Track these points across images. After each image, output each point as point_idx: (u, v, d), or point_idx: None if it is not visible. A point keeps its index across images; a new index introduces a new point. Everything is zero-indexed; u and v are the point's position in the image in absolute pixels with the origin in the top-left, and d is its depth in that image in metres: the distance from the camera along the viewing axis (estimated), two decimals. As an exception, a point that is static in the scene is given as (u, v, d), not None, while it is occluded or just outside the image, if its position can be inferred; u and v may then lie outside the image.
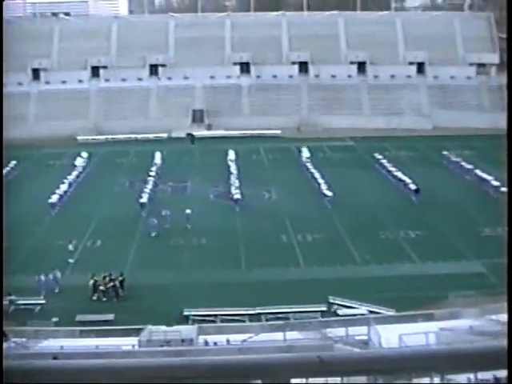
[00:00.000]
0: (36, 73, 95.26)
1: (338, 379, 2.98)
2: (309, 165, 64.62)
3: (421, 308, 32.34)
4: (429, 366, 2.92)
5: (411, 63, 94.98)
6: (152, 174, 62.40)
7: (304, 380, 2.94)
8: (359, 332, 25.90)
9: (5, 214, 52.18)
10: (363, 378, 3.04)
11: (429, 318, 28.53)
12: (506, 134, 8.17)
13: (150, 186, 58.25)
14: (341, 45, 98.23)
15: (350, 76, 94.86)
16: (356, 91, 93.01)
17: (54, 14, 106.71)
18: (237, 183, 58.34)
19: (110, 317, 34.18)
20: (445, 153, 69.04)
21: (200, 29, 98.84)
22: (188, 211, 49.56)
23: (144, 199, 54.41)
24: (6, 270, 40.80)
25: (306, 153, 70.09)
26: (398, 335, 23.27)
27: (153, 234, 47.77)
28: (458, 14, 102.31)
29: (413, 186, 55.39)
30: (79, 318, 33.97)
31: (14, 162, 67.07)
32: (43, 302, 36.28)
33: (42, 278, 37.23)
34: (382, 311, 33.36)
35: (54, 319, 33.53)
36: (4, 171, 64.38)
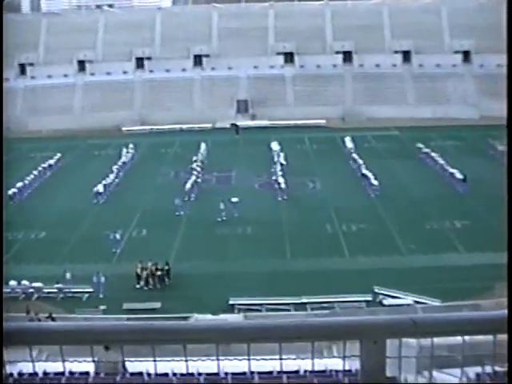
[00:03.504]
0: (81, 64, 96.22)
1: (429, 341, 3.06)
2: (354, 155, 64.33)
3: (466, 299, 32.15)
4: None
5: (457, 52, 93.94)
6: (197, 164, 62.72)
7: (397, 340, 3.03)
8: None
9: (52, 204, 53.02)
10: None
11: (475, 308, 28.33)
12: (506, 135, 8.11)
13: (194, 176, 58.57)
14: (385, 34, 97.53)
15: (394, 65, 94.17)
16: (401, 81, 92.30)
17: (99, 6, 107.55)
18: (281, 173, 58.36)
19: (157, 305, 34.51)
20: (492, 142, 68.19)
21: (243, 19, 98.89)
22: (234, 199, 49.89)
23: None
24: (54, 258, 41.66)
25: (350, 143, 69.80)
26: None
27: (181, 213, 49.73)
28: (505, 0, 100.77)
29: (459, 176, 54.89)
30: (126, 306, 34.35)
31: (59, 154, 67.91)
32: (91, 290, 36.74)
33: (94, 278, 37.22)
34: (427, 301, 33.20)
35: (102, 307, 33.97)
36: (51, 162, 65.24)
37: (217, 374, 13.61)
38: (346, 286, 35.62)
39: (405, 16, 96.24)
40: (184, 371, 12.58)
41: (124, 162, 65.94)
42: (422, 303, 32.78)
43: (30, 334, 2.99)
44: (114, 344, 2.97)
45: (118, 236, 44.02)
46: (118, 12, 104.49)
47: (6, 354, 3.40)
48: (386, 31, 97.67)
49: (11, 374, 13.94)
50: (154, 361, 3.30)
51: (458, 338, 3.11)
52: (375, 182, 54.34)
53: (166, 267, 38.16)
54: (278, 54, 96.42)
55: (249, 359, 3.19)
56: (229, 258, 41.51)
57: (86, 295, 36.58)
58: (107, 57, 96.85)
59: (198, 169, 60.57)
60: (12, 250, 43.84)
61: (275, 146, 68.72)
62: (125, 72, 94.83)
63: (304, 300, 34.08)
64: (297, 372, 14.24)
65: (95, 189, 54.80)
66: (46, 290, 36.96)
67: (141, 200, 53.67)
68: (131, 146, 71.29)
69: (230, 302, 34.23)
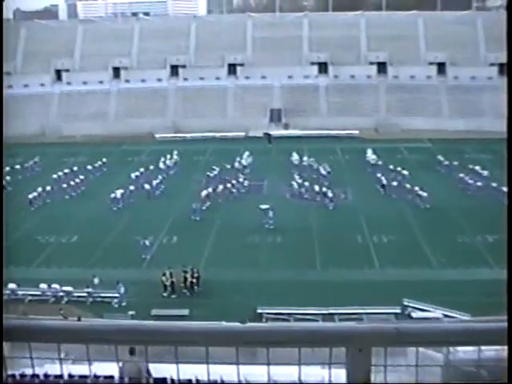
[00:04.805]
0: (116, 71, 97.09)
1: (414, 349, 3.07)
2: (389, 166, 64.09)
3: (496, 313, 31.80)
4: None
5: (492, 64, 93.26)
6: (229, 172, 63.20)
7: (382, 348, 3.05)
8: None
9: (85, 209, 53.48)
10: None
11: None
12: (507, 136, 8.07)
13: (226, 184, 58.79)
14: (420, 45, 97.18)
15: (429, 77, 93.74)
16: (435, 92, 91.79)
17: (134, 14, 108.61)
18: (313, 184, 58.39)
19: (185, 312, 34.58)
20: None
21: (278, 28, 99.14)
22: (264, 206, 50.08)
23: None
24: (85, 263, 41.97)
25: (371, 154, 69.82)
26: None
27: (196, 218, 50.41)
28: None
29: (503, 189, 54.10)
30: (154, 312, 34.45)
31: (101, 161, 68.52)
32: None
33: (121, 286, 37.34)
34: (456, 315, 32.90)
35: (131, 312, 34.13)
36: (91, 167, 65.80)
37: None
38: (375, 298, 35.41)
39: (440, 27, 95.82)
40: (206, 378, 12.57)
41: (168, 168, 66.73)
42: (451, 317, 32.49)
43: (30, 331, 3.05)
44: (116, 343, 3.02)
45: (147, 242, 44.24)
46: (154, 20, 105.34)
47: (34, 353, 3.49)
48: (420, 42, 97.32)
49: (37, 376, 14.08)
50: (177, 362, 3.35)
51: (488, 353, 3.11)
52: (424, 194, 53.90)
53: (196, 274, 38.28)
54: (312, 63, 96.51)
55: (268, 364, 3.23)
56: (258, 267, 41.50)
57: (116, 300, 36.78)
58: (142, 64, 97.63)
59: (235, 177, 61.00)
60: (43, 253, 44.31)
61: (307, 155, 68.83)
62: (159, 79, 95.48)
63: (332, 311, 33.94)
64: None
65: (116, 195, 55.40)
66: (75, 294, 37.27)
67: (173, 206, 53.93)
68: (175, 152, 71.74)
69: (258, 311, 34.21)
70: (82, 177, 61.77)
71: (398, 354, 3.18)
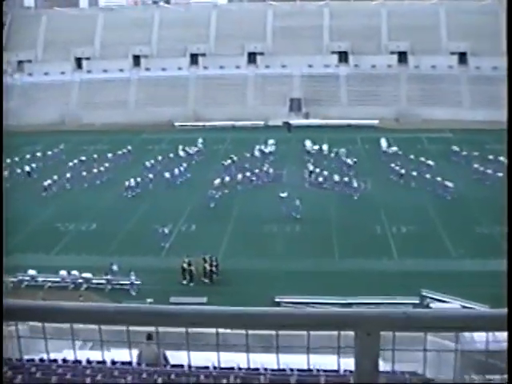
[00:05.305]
0: (137, 59, 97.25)
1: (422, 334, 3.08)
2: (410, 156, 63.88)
3: (516, 304, 31.63)
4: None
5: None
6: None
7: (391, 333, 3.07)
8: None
9: (104, 196, 53.75)
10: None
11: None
12: (507, 134, 7.99)
13: (246, 172, 58.91)
14: (441, 35, 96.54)
15: (450, 67, 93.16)
16: (456, 82, 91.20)
17: (155, 2, 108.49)
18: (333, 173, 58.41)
19: (203, 300, 34.70)
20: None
21: (298, 17, 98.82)
22: (283, 194, 50.28)
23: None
24: (104, 250, 42.21)
25: (399, 144, 69.52)
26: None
27: (212, 205, 50.72)
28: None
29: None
30: (173, 299, 34.57)
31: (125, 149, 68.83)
32: (139, 282, 37.14)
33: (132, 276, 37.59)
34: (475, 306, 32.77)
35: (149, 300, 34.29)
36: (111, 155, 66.03)
37: (256, 369, 13.68)
38: (394, 288, 35.38)
39: (462, 16, 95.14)
40: (222, 365, 12.66)
41: (189, 156, 67.18)
42: (470, 308, 32.36)
43: (46, 313, 3.09)
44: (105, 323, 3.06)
45: (166, 230, 44.41)
46: (174, 8, 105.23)
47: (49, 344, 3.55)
48: (442, 32, 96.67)
49: (55, 360, 14.21)
50: (188, 349, 3.37)
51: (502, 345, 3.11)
52: (449, 184, 53.82)
53: (214, 263, 38.40)
54: (333, 53, 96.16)
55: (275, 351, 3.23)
56: (276, 256, 41.52)
57: (134, 287, 36.97)
58: (162, 52, 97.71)
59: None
60: (63, 240, 44.61)
61: (327, 144, 68.84)
62: (179, 68, 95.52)
63: (350, 300, 33.92)
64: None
65: (130, 183, 55.78)
66: (94, 281, 37.52)
67: (191, 195, 54.03)
68: (200, 140, 71.93)
69: (276, 300, 34.29)
70: (101, 165, 61.97)
71: (408, 343, 3.18)
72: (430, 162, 60.91)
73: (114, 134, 78.58)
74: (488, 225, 46.03)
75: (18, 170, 60.75)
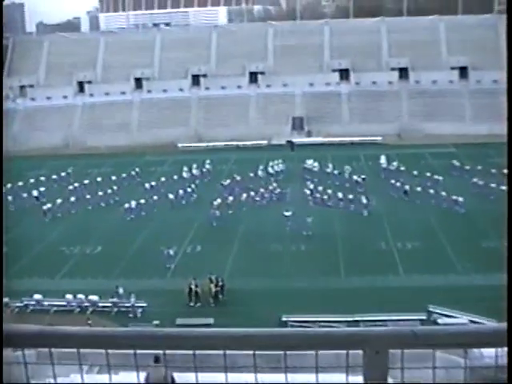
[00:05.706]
0: (138, 82, 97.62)
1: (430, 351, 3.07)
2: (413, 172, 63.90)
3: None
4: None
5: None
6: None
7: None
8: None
9: (108, 219, 53.77)
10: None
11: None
12: (507, 137, 8.00)
13: (250, 192, 58.91)
14: (441, 50, 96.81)
15: (451, 81, 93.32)
16: (458, 97, 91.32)
17: (156, 25, 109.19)
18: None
19: (210, 321, 34.58)
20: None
21: (299, 36, 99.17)
22: (288, 213, 50.20)
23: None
24: (110, 273, 42.17)
25: (402, 159, 69.54)
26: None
27: (214, 224, 51.00)
28: None
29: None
30: (179, 321, 34.47)
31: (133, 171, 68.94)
32: (145, 304, 37.08)
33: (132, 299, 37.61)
34: (482, 321, 32.63)
35: (155, 322, 34.19)
36: (115, 177, 66.05)
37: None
38: (401, 305, 35.25)
39: (461, 31, 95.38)
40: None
41: (193, 177, 67.31)
42: (478, 323, 32.23)
43: (52, 338, 3.08)
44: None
45: (171, 252, 44.38)
46: (175, 30, 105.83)
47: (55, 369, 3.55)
48: (442, 47, 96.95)
49: (62, 386, 14.12)
50: (196, 371, 3.36)
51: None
52: (460, 199, 53.85)
53: (220, 283, 38.32)
54: (334, 70, 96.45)
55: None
56: (282, 275, 41.42)
57: (140, 310, 36.90)
58: (164, 74, 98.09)
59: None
60: (68, 264, 44.58)
61: (331, 162, 68.95)
62: (181, 89, 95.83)
63: (357, 318, 33.81)
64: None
65: (130, 205, 55.69)
66: (100, 304, 37.46)
67: (196, 215, 54.00)
68: (208, 161, 71.97)
69: (283, 319, 34.18)
70: (106, 187, 62.01)
71: (416, 360, 3.16)
72: (437, 177, 60.95)
73: (118, 156, 78.68)
74: (494, 239, 45.89)
75: (24, 195, 60.70)
